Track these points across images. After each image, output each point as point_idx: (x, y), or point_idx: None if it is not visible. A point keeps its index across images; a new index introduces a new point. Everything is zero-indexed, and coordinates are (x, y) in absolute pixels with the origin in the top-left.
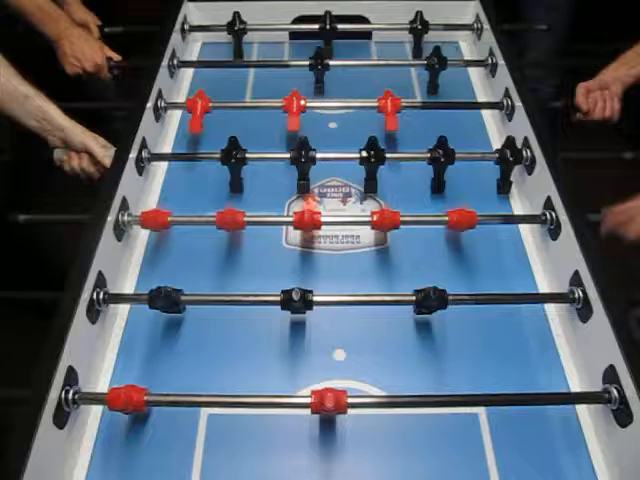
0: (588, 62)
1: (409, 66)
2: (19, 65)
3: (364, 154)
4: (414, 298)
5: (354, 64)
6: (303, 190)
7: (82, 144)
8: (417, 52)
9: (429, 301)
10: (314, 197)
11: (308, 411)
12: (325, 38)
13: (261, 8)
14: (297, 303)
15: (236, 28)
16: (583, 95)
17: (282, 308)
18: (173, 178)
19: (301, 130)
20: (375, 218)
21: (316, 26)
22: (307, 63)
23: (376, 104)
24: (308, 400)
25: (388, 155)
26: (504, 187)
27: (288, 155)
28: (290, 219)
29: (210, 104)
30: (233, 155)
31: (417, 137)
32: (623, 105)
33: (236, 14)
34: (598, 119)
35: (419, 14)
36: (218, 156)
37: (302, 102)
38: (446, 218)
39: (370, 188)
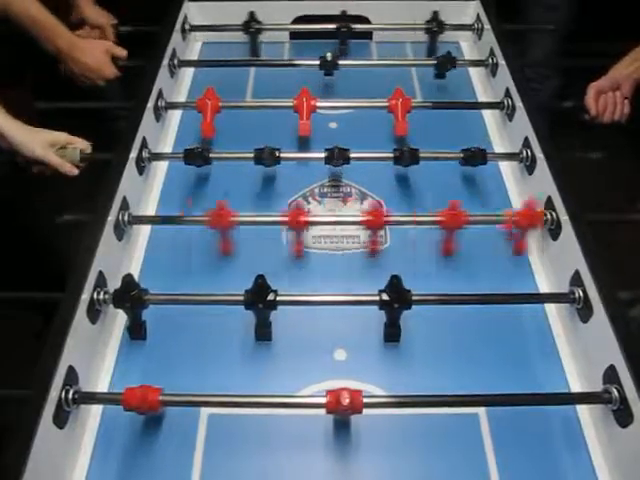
0: (588, 62)
1: (412, 66)
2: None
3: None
4: (377, 298)
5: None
6: None
7: (31, 154)
8: (431, 52)
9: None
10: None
11: (308, 411)
12: (341, 38)
13: (261, 8)
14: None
15: (252, 29)
16: (593, 99)
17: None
18: (173, 178)
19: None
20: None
21: (333, 26)
22: (310, 63)
23: (380, 104)
24: (313, 400)
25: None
26: None
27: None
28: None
29: (220, 104)
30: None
31: (418, 137)
32: (634, 103)
33: (251, 14)
34: (606, 122)
35: (436, 14)
36: (218, 156)
37: (312, 102)
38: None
39: None
